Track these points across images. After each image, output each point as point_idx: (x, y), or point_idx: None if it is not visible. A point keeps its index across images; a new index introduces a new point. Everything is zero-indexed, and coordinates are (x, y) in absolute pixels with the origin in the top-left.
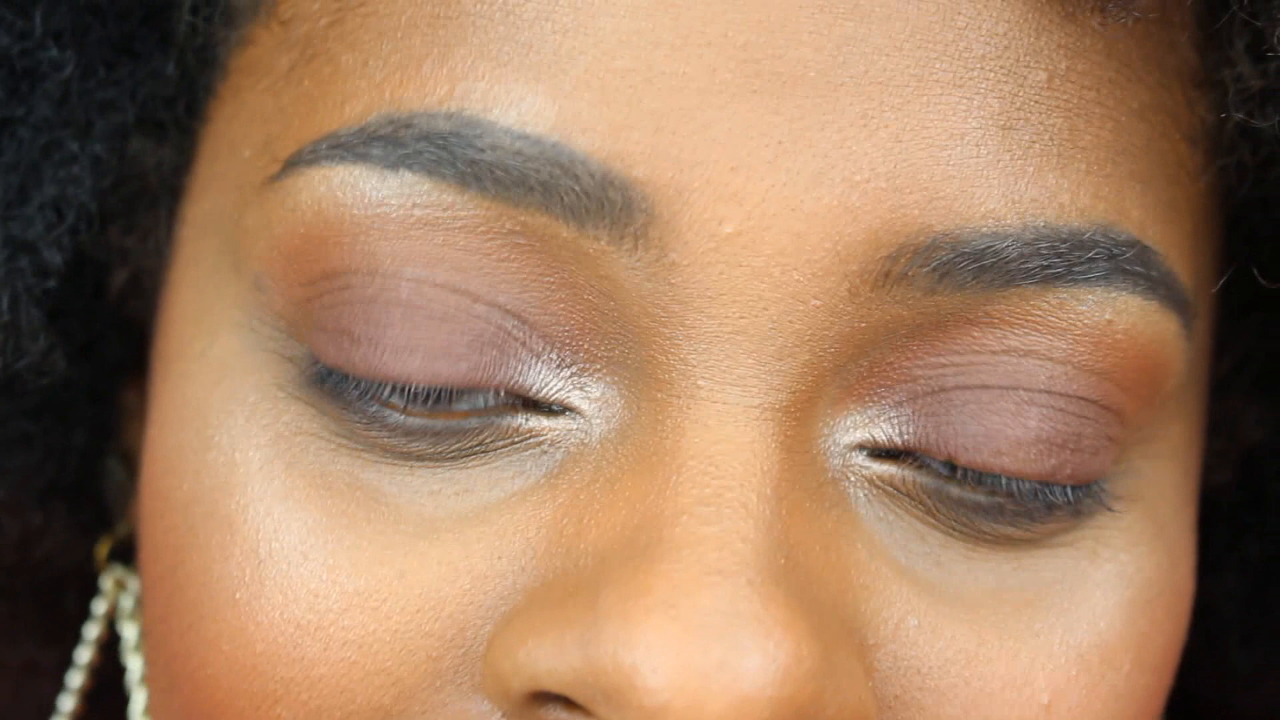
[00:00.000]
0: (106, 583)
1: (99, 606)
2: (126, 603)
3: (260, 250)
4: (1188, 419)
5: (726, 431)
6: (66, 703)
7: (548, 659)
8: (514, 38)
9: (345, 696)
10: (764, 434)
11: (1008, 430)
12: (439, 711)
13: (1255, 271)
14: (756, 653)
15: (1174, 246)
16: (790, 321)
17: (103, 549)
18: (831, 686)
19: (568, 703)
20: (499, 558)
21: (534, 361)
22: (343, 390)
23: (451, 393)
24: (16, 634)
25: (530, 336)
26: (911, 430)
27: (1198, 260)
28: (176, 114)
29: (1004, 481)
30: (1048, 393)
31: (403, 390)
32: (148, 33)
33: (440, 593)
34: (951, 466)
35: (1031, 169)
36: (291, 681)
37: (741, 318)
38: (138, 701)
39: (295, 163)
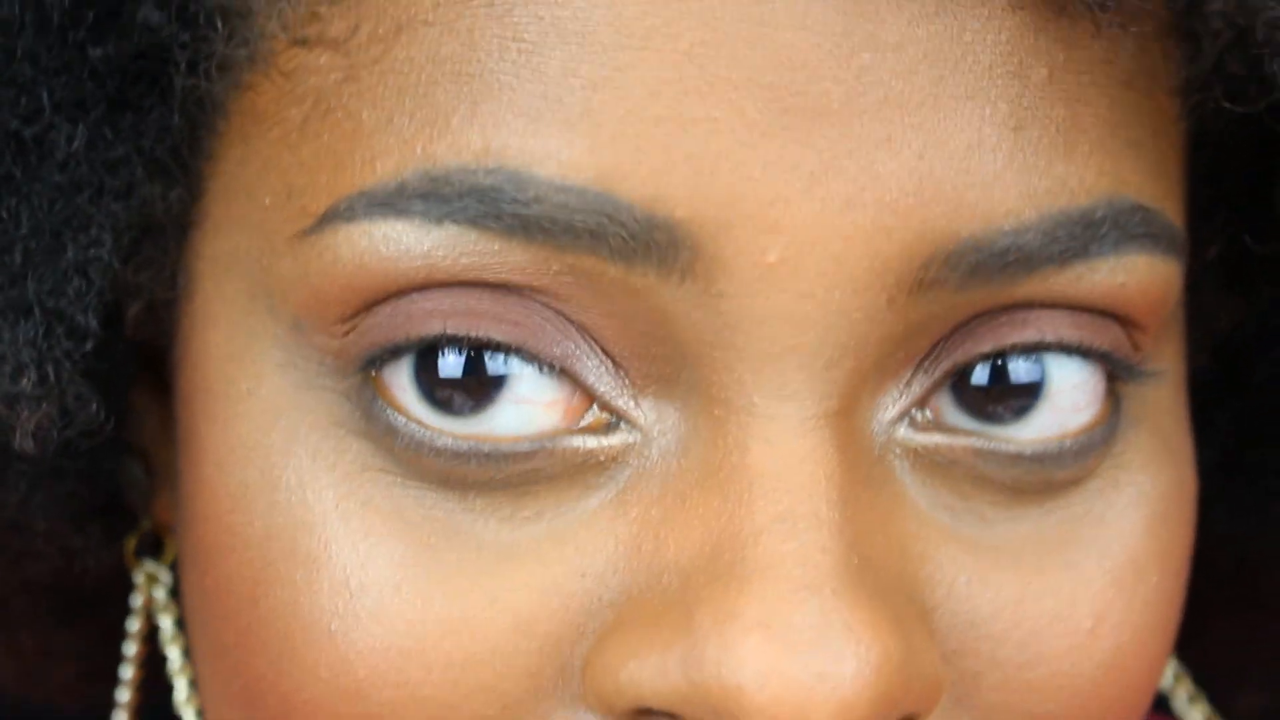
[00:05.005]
0: (139, 577)
1: (135, 600)
2: (159, 594)
3: (298, 297)
4: (1178, 333)
5: (788, 445)
6: (123, 695)
7: (651, 681)
8: (542, 94)
9: (452, 712)
10: (822, 440)
11: (1043, 317)
12: None
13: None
14: (851, 659)
15: (1167, 197)
16: (836, 335)
17: (130, 546)
18: (915, 670)
19: (671, 716)
20: (583, 575)
21: (589, 358)
22: (388, 418)
23: (505, 376)
24: (36, 621)
25: (584, 340)
26: (949, 357)
27: (1182, 198)
28: (181, 157)
29: (1051, 379)
30: (1075, 337)
31: (453, 348)
32: (146, 89)
33: (532, 613)
34: (1000, 384)
35: (1043, 163)
36: (397, 703)
37: (790, 337)
38: (181, 689)
39: (330, 218)
